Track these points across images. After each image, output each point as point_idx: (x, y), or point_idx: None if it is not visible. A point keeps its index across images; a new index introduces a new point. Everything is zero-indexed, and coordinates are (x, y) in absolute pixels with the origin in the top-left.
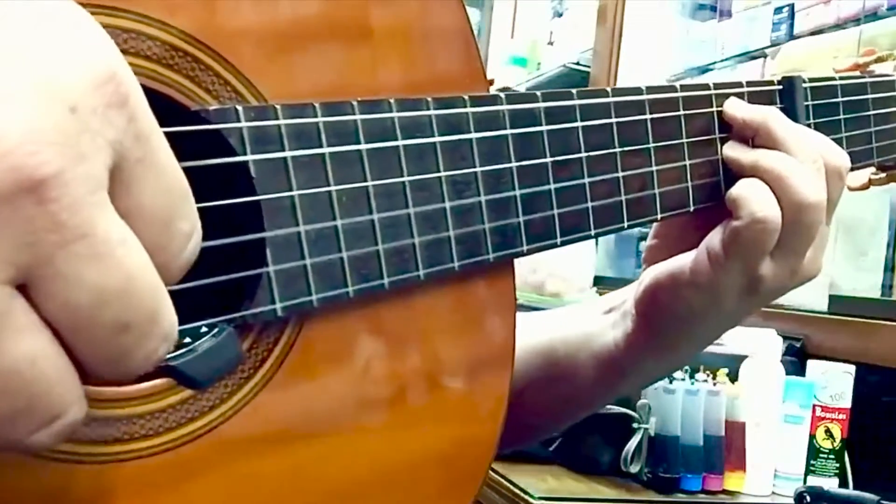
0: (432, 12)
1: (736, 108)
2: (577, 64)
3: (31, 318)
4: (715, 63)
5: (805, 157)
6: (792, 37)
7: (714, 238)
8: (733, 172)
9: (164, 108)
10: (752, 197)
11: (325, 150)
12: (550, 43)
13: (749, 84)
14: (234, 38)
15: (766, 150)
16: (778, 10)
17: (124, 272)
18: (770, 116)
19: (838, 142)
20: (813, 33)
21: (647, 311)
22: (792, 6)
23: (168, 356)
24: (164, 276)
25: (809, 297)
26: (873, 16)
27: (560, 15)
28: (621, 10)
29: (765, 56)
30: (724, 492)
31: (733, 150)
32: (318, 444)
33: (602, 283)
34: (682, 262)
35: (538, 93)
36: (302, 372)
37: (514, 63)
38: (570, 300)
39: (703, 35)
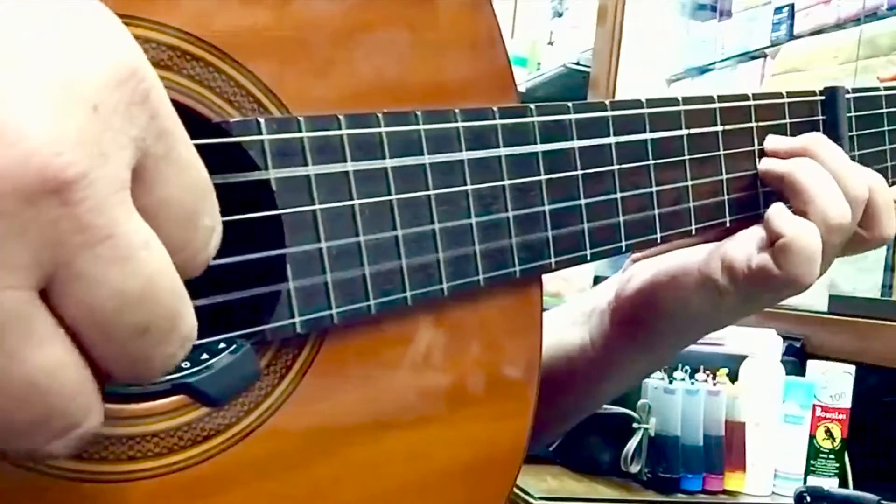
0: (462, 17)
1: (778, 144)
2: (577, 64)
3: (52, 325)
4: (715, 63)
5: (851, 189)
6: (792, 37)
7: (738, 257)
8: (768, 183)
9: (184, 119)
10: (808, 250)
11: (349, 165)
12: (550, 43)
13: (790, 95)
14: (253, 45)
15: (801, 161)
16: (778, 10)
17: (147, 275)
18: (814, 141)
19: (881, 154)
20: (813, 33)
21: (637, 309)
22: (792, 6)
23: (185, 373)
24: (187, 273)
25: (809, 297)
26: (873, 16)
27: (560, 15)
28: (621, 10)
29: (765, 56)
30: (725, 492)
31: (768, 164)
32: (337, 461)
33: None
34: (685, 261)
35: (569, 104)
36: (322, 388)
37: (515, 63)
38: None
39: (703, 35)
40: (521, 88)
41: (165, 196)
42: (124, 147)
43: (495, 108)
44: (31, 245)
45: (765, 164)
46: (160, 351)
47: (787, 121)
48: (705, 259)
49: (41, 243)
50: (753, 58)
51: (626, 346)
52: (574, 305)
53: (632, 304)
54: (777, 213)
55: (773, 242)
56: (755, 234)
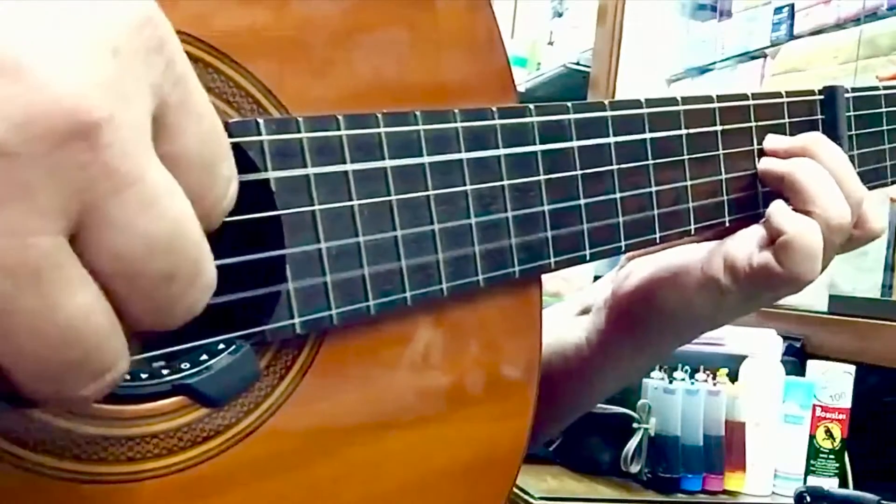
0: (461, 18)
1: (777, 143)
2: (577, 64)
3: (83, 270)
4: (715, 63)
5: (851, 190)
6: (792, 37)
7: (740, 255)
8: (768, 183)
9: None
10: (809, 248)
11: (349, 166)
12: (550, 43)
13: (789, 94)
14: (252, 45)
15: (801, 161)
16: (778, 10)
17: (171, 221)
18: (813, 141)
19: (880, 153)
20: (813, 33)
21: (635, 306)
22: (792, 6)
23: (184, 374)
24: (207, 222)
25: (809, 297)
26: (873, 16)
27: (560, 15)
28: (621, 10)
29: (765, 56)
30: (725, 492)
31: (767, 164)
32: (337, 461)
33: None
34: (686, 259)
35: (569, 104)
36: (321, 388)
37: (514, 63)
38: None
39: (703, 35)
40: (521, 88)
41: (185, 144)
42: (144, 93)
43: (494, 109)
44: (61, 190)
45: (764, 164)
46: (185, 298)
47: (786, 120)
48: (707, 258)
49: (71, 189)
50: (753, 58)
51: (623, 344)
52: (570, 303)
53: (630, 301)
54: (778, 210)
55: (773, 240)
56: (756, 232)
